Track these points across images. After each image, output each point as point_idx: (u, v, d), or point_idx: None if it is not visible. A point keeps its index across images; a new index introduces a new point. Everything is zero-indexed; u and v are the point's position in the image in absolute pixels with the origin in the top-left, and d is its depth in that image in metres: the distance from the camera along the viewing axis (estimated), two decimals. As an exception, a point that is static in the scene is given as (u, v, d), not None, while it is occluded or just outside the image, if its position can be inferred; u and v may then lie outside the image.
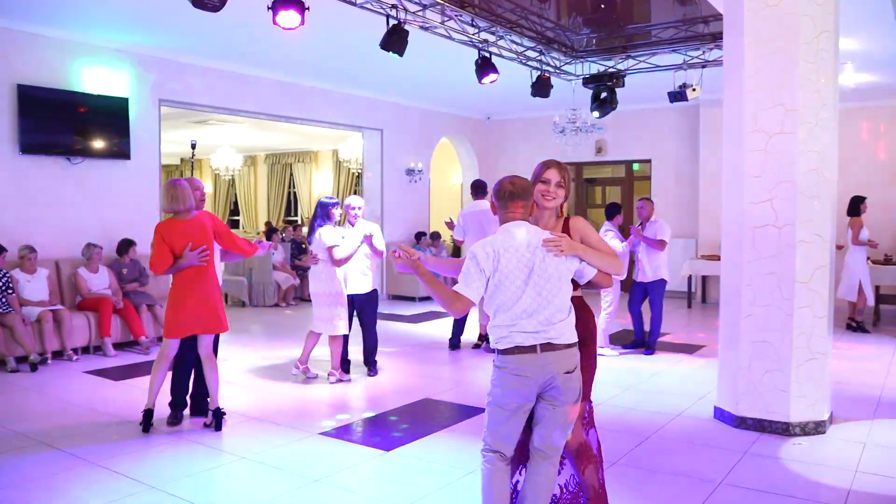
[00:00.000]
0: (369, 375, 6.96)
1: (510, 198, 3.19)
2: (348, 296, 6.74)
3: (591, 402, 3.50)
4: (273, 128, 15.92)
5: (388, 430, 5.36)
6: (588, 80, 9.44)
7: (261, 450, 4.84)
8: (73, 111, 8.26)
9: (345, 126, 12.24)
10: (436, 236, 13.53)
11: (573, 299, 3.24)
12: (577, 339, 3.18)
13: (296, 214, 21.52)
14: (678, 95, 9.05)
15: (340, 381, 6.70)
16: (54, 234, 8.23)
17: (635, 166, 14.49)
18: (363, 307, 6.95)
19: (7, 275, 7.45)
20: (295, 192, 21.22)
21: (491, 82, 8.11)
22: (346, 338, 6.84)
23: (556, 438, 3.17)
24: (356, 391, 6.51)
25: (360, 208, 6.97)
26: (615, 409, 5.90)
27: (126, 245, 8.56)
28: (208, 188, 22.56)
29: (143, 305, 8.31)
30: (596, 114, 9.76)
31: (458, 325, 8.28)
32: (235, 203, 22.29)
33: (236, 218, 22.37)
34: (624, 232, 8.42)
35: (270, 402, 6.10)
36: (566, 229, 3.40)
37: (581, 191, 14.89)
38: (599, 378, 6.36)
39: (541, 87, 8.80)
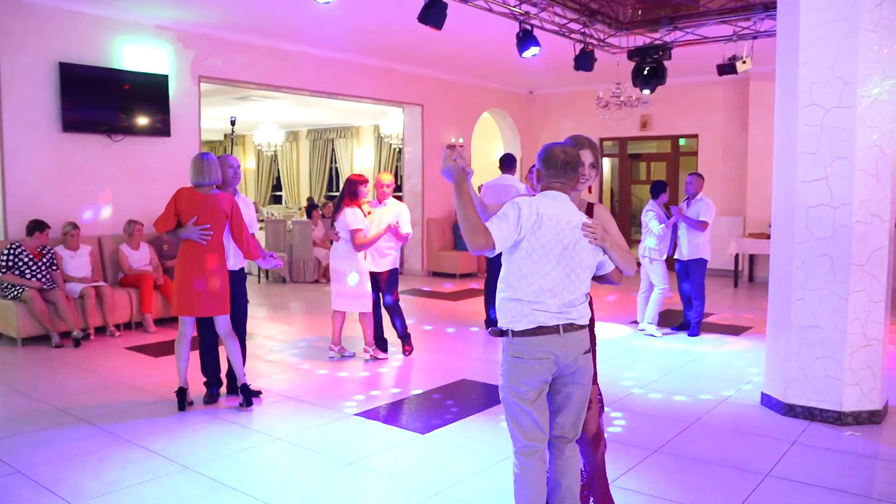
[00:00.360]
0: (404, 354, 6.89)
1: (562, 168, 3.03)
2: (370, 273, 6.66)
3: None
4: (314, 103, 15.87)
5: (423, 411, 5.29)
6: (633, 53, 9.13)
7: (294, 430, 4.80)
8: (114, 89, 8.29)
9: (385, 101, 12.12)
10: (476, 213, 13.34)
11: None
12: (590, 320, 3.11)
13: (337, 190, 21.53)
14: (727, 68, 8.70)
15: (376, 358, 6.66)
16: (96, 210, 8.31)
17: (682, 141, 14.10)
18: (383, 286, 6.82)
19: (51, 251, 7.55)
20: (337, 168, 21.23)
21: (532, 56, 7.88)
22: (378, 315, 6.78)
23: (582, 420, 3.09)
24: (391, 371, 6.45)
25: (389, 185, 6.75)
26: (656, 394, 5.74)
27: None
28: (250, 164, 22.73)
29: (183, 282, 8.35)
30: (646, 91, 9.44)
31: (492, 303, 8.12)
32: (278, 179, 22.40)
33: (279, 193, 22.50)
34: (668, 211, 8.16)
35: (306, 382, 6.07)
36: (590, 215, 3.24)
37: (625, 166, 14.56)
38: (641, 361, 6.17)
39: (584, 61, 8.53)
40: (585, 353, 3.01)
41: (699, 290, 7.89)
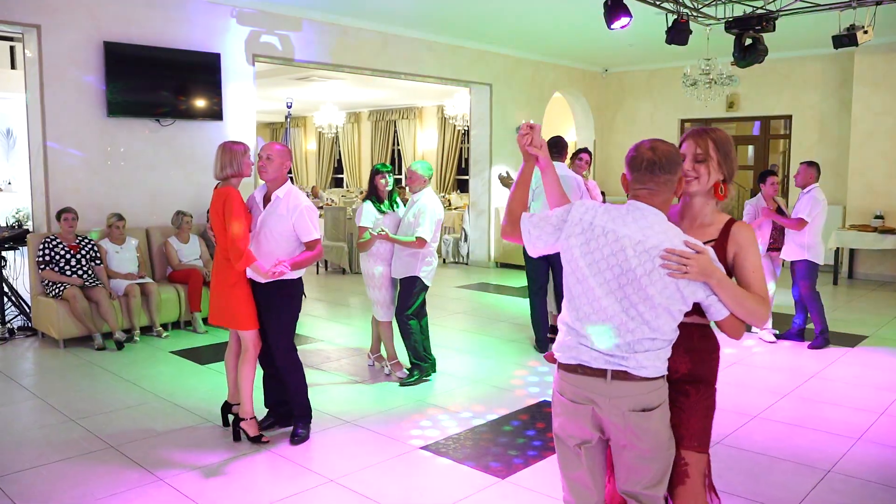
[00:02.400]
0: (393, 375, 5.93)
1: (646, 169, 2.27)
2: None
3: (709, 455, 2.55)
4: (376, 83, 15.19)
5: (500, 446, 4.53)
6: (731, 24, 8.06)
7: (353, 469, 4.10)
8: (163, 69, 7.71)
9: (452, 81, 11.30)
10: (547, 200, 12.46)
11: (695, 326, 2.39)
12: (664, 374, 2.34)
13: (400, 173, 20.89)
14: (846, 40, 7.59)
15: (396, 374, 5.89)
16: (143, 201, 7.78)
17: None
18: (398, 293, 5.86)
19: (92, 244, 7.04)
20: (399, 150, 20.58)
21: (622, 27, 6.97)
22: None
23: (645, 486, 2.37)
24: (457, 387, 5.70)
25: (412, 176, 5.72)
26: (772, 426, 4.84)
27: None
28: (311, 146, 22.25)
29: (235, 278, 7.76)
30: (738, 68, 8.37)
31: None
32: (339, 161, 21.86)
33: (340, 176, 21.99)
34: (776, 205, 7.19)
35: (363, 401, 5.39)
36: (724, 235, 2.43)
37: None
38: (750, 383, 5.17)
39: (678, 33, 7.55)
40: (645, 410, 2.29)
41: (808, 296, 6.91)
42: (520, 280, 10.86)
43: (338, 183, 22.20)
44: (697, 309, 2.33)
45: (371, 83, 14.83)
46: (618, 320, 2.25)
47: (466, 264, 12.39)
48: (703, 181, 2.43)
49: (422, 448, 4.42)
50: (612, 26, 6.96)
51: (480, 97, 11.83)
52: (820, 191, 6.88)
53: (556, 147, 6.77)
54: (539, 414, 5.07)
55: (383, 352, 6.11)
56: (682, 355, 2.42)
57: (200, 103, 8.02)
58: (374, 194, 5.78)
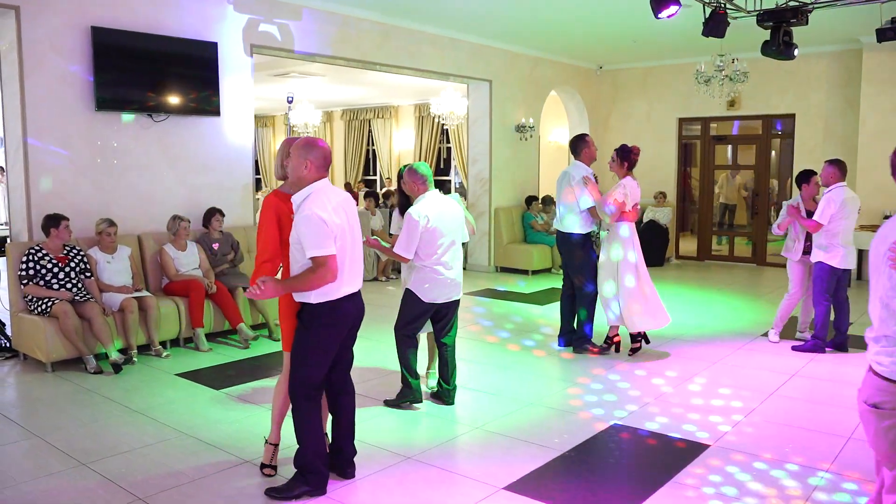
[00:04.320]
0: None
1: None
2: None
3: None
4: (352, 81, 14.58)
5: (592, 483, 3.96)
6: (763, 17, 7.66)
7: (434, 521, 3.49)
8: (156, 58, 6.95)
9: (452, 77, 10.71)
10: (548, 201, 11.97)
11: None
12: None
13: (374, 174, 20.22)
14: (890, 33, 7.24)
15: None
16: (135, 204, 7.01)
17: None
18: None
19: (81, 254, 6.26)
20: (374, 150, 19.90)
21: (669, 16, 6.48)
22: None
23: None
24: (514, 413, 5.11)
25: (413, 181, 4.99)
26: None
27: (210, 215, 7.28)
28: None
29: (238, 289, 7.05)
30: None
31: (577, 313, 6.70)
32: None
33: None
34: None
35: (412, 430, 4.77)
36: None
37: (708, 149, 13.09)
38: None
39: (717, 24, 7.08)
40: None
41: (816, 300, 6.66)
42: (529, 285, 10.33)
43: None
44: None
45: (347, 80, 14.20)
46: None
47: (464, 268, 11.80)
48: None
49: (509, 489, 3.82)
50: (660, 15, 6.49)
51: (479, 94, 11.27)
52: (841, 191, 6.51)
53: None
54: (617, 441, 4.52)
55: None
56: None
57: (197, 97, 7.28)
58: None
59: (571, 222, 6.43)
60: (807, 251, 6.79)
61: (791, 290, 7.00)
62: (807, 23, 7.74)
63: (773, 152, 13.54)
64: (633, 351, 6.54)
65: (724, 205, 14.30)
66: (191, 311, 6.65)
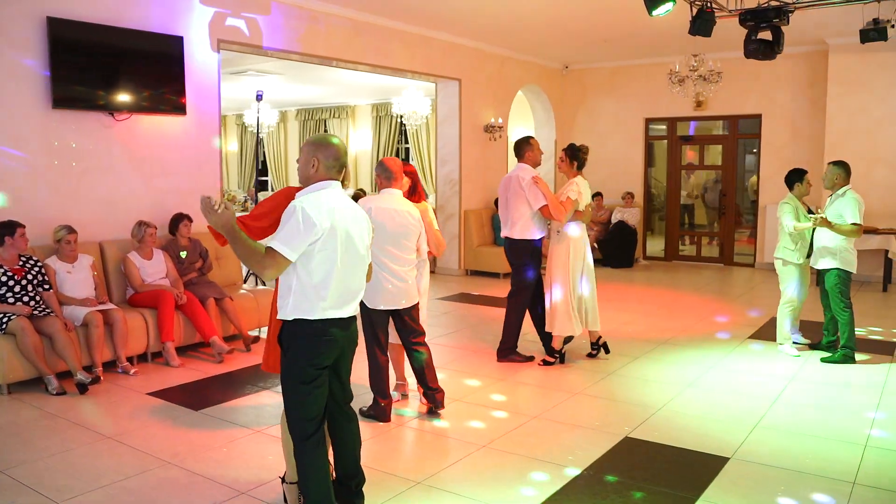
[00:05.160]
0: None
1: None
2: None
3: None
4: (309, 80, 14.18)
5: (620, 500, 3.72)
6: (746, 17, 7.56)
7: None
8: (118, 53, 6.47)
9: (422, 75, 10.40)
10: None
11: None
12: None
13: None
14: (874, 34, 7.20)
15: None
16: (96, 210, 6.52)
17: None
18: None
19: (41, 265, 5.76)
20: (330, 151, 19.42)
21: (664, 13, 6.30)
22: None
23: None
24: (540, 433, 4.84)
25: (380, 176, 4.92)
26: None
27: (177, 221, 6.83)
28: (233, 147, 20.77)
29: (209, 299, 6.61)
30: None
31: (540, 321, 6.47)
32: (264, 163, 20.45)
33: (264, 179, 20.59)
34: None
35: (431, 453, 4.46)
36: None
37: (675, 150, 13.06)
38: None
39: (704, 23, 6.94)
40: None
41: (837, 305, 6.39)
42: (500, 289, 10.07)
43: (262, 186, 20.80)
44: None
45: (303, 79, 13.81)
46: None
47: (433, 272, 11.49)
48: None
49: (533, 519, 3.55)
50: (655, 13, 6.29)
51: (448, 93, 10.98)
52: (846, 195, 6.35)
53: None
54: (634, 457, 4.28)
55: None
56: None
57: (161, 94, 6.82)
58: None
59: (525, 227, 6.15)
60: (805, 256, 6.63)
61: (787, 296, 6.63)
62: (788, 23, 7.68)
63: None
64: (547, 363, 6.30)
65: (683, 205, 14.32)
66: (160, 324, 6.20)
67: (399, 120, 17.70)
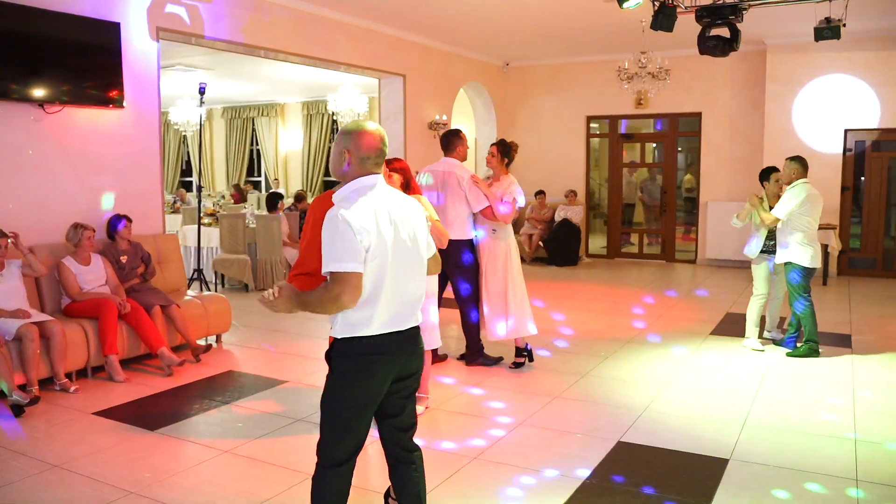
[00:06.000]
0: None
1: None
2: None
3: None
4: (238, 76, 13.67)
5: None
6: (702, 14, 7.53)
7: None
8: (48, 40, 5.90)
9: (367, 70, 10.03)
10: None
11: None
12: None
13: (259, 175, 19.11)
14: (827, 32, 7.26)
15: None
16: (26, 211, 5.92)
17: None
18: None
19: (-33, 274, 5.17)
20: (259, 150, 18.81)
21: (635, 6, 6.17)
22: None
23: None
24: (508, 437, 4.59)
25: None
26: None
27: (117, 222, 6.30)
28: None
29: (155, 307, 6.11)
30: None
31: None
32: (188, 163, 19.59)
33: (188, 179, 19.74)
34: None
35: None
36: None
37: (616, 147, 13.10)
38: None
39: (666, 18, 6.85)
40: None
41: (795, 299, 6.47)
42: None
43: (186, 187, 19.94)
44: None
45: (230, 75, 13.28)
46: None
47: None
48: None
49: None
50: (625, 5, 6.16)
51: (393, 89, 10.65)
52: (803, 187, 6.36)
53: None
54: (633, 463, 4.09)
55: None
56: None
57: (96, 86, 6.27)
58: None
59: (462, 227, 5.86)
60: (767, 250, 6.64)
61: (757, 291, 6.71)
62: (742, 20, 7.70)
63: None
64: (518, 365, 6.07)
65: (625, 204, 14.41)
66: (102, 336, 5.66)
67: (332, 118, 17.27)
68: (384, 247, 2.62)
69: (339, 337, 2.67)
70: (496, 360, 6.16)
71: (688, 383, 5.67)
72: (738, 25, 7.62)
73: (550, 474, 3.96)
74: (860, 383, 5.60)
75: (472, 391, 5.48)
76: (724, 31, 7.62)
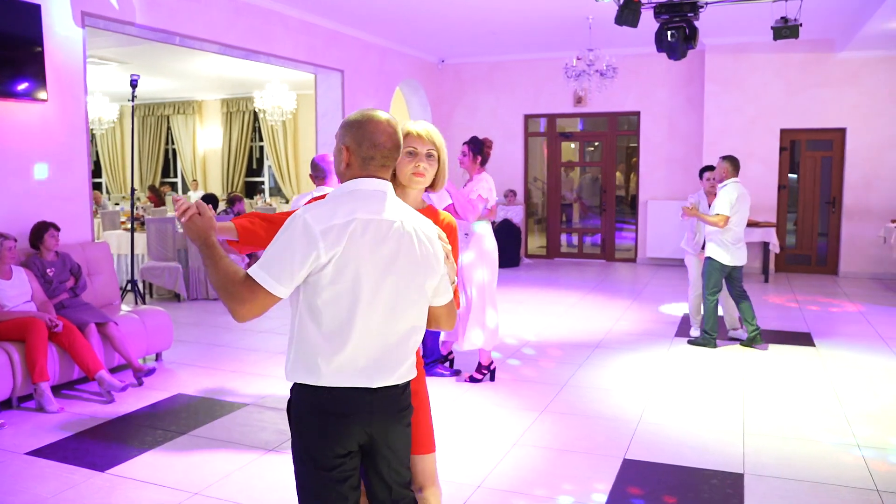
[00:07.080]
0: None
1: None
2: None
3: None
4: (154, 71, 12.84)
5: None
6: (660, 10, 7.39)
7: None
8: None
9: (305, 65, 9.47)
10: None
11: None
12: None
13: (175, 175, 18.11)
14: (786, 31, 7.23)
15: None
16: (-65, 219, 5.17)
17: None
18: None
19: None
20: (174, 150, 17.83)
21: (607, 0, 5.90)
22: None
23: None
24: (506, 460, 4.23)
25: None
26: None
27: (41, 231, 5.59)
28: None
29: (89, 325, 5.44)
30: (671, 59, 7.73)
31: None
32: (97, 163, 18.37)
33: (99, 180, 18.51)
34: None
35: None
36: None
37: (554, 146, 12.95)
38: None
39: (631, 13, 6.64)
40: None
41: (703, 293, 6.69)
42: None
43: (97, 187, 18.72)
44: None
45: (149, 70, 12.45)
46: None
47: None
48: None
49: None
50: (601, -3, 5.88)
51: (330, 84, 10.12)
52: (734, 186, 6.43)
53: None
54: (648, 485, 3.79)
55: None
56: None
57: (14, 75, 5.54)
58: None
59: None
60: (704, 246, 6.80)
61: (694, 287, 7.06)
62: (698, 18, 7.61)
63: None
64: (475, 380, 5.68)
65: (563, 204, 14.29)
66: (30, 360, 4.96)
67: (253, 116, 16.52)
68: (355, 271, 1.99)
69: (299, 383, 2.06)
70: (453, 373, 5.85)
71: (671, 390, 5.47)
72: (696, 24, 7.56)
73: (566, 501, 3.62)
74: (842, 385, 5.53)
75: (450, 408, 5.09)
76: (681, 29, 7.53)
